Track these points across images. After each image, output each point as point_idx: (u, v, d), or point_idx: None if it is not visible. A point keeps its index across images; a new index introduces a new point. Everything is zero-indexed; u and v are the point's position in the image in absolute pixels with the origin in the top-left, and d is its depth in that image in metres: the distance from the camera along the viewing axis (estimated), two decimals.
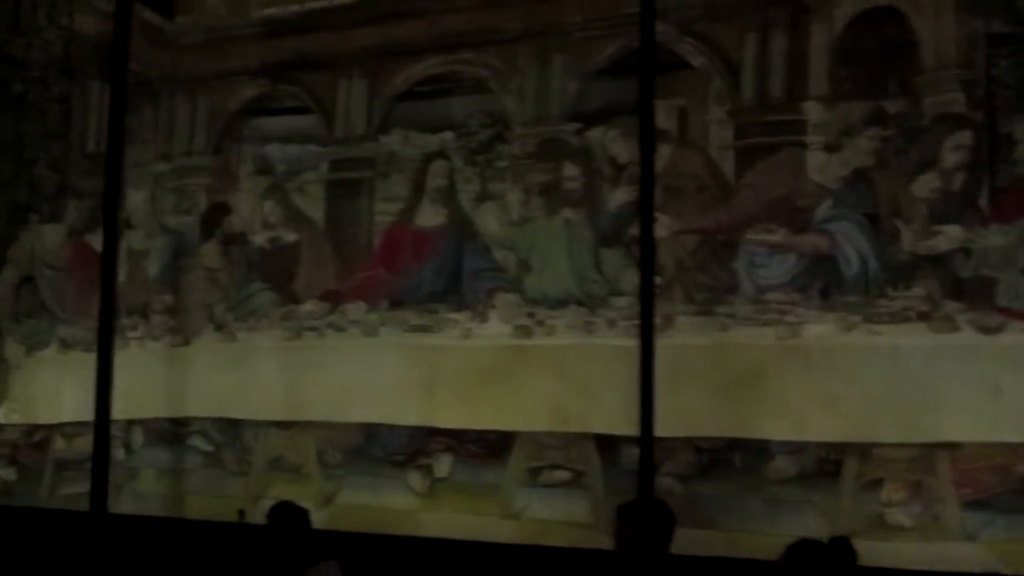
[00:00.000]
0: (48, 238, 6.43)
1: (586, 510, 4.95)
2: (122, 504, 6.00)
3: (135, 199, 6.17)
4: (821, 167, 4.68)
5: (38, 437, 6.34)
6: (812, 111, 4.70)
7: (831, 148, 4.66)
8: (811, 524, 4.51)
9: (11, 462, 6.40)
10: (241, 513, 4.93)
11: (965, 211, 4.43)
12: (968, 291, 4.40)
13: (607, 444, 4.93)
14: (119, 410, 6.06)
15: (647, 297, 4.01)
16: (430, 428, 5.28)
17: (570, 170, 5.13)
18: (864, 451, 4.51)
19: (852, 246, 4.61)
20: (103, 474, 5.03)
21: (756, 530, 4.61)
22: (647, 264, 3.99)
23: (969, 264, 4.41)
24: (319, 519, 5.44)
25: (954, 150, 4.46)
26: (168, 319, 5.98)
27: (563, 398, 5.03)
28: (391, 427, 5.36)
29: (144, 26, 6.18)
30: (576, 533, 4.95)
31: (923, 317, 4.45)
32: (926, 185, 4.50)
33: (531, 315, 5.13)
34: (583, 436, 4.98)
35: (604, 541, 4.91)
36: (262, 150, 5.85)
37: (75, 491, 6.17)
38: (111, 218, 4.91)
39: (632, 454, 4.90)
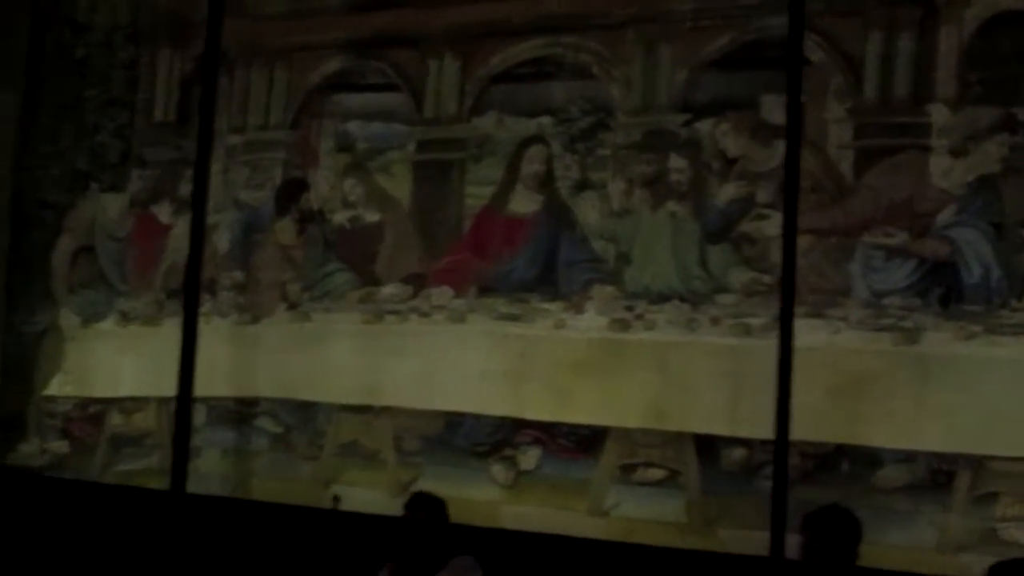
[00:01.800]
0: (110, 208, 6.23)
1: (680, 510, 4.84)
2: None
3: None
4: (945, 172, 4.57)
5: (93, 411, 6.16)
6: (938, 114, 4.59)
7: (956, 153, 4.55)
8: (920, 535, 4.44)
9: (64, 435, 6.21)
10: (336, 499, 4.77)
11: None
12: None
13: (706, 444, 4.83)
14: None
15: (788, 296, 3.90)
16: (517, 419, 5.15)
17: (676, 162, 5.00)
18: (979, 463, 4.42)
19: (975, 254, 4.51)
20: (183, 453, 4.86)
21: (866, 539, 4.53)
22: (788, 262, 3.88)
23: None
24: (395, 507, 5.35)
25: None
26: (237, 296, 5.81)
27: (661, 395, 4.91)
28: (475, 416, 5.23)
29: None
30: (668, 533, 4.83)
31: None
32: None
33: (630, 309, 5.00)
34: (681, 435, 4.86)
35: (697, 542, 4.85)
36: (344, 127, 5.68)
37: (131, 468, 6.02)
38: (200, 189, 4.72)
39: (732, 455, 4.81)
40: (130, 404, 6.05)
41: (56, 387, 6.24)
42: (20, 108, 6.47)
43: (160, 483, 5.92)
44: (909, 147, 4.63)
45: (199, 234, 4.93)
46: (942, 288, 4.55)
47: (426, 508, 4.05)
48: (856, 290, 4.67)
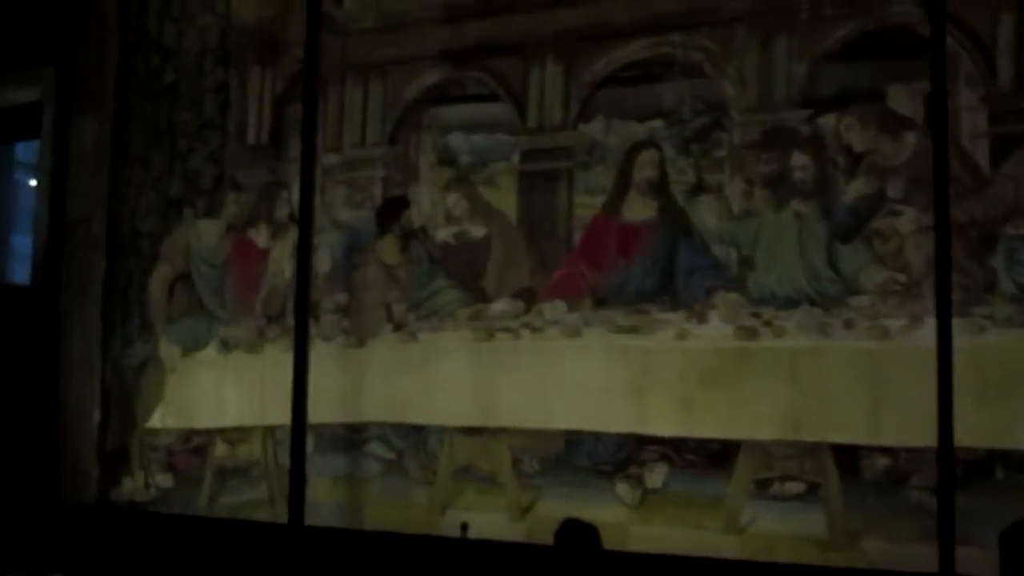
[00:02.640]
0: (205, 234, 6.13)
1: (822, 525, 4.60)
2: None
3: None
4: None
5: (196, 442, 6.05)
6: None
7: None
8: None
9: (167, 468, 6.11)
10: (464, 527, 4.60)
11: None
12: None
13: (846, 454, 4.60)
14: (287, 415, 5.77)
15: (944, 294, 3.67)
16: (642, 436, 4.95)
17: (799, 160, 4.77)
18: None
19: None
20: (300, 484, 4.71)
21: None
22: (943, 259, 3.66)
23: None
24: (516, 531, 5.18)
25: None
26: (341, 319, 5.67)
27: (795, 404, 4.68)
28: (596, 434, 5.03)
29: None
30: (810, 549, 4.60)
31: None
32: None
33: (756, 315, 4.78)
34: (818, 445, 4.63)
35: (840, 558, 4.61)
36: (444, 140, 5.52)
37: (238, 500, 5.90)
38: (307, 210, 4.59)
39: (875, 465, 4.57)
40: (234, 434, 5.93)
41: (158, 419, 6.14)
42: (111, 136, 6.40)
43: (268, 514, 5.82)
44: None
45: (305, 257, 4.78)
46: None
47: (580, 535, 3.85)
48: (1002, 285, 4.41)
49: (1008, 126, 4.46)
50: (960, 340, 4.35)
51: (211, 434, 6.00)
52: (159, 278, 6.23)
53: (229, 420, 5.94)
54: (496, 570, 4.19)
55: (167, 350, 6.16)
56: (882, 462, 4.53)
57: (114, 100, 6.45)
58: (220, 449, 5.96)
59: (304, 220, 4.69)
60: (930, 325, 4.45)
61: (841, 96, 4.73)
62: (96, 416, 6.31)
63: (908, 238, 4.55)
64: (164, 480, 6.10)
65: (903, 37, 4.60)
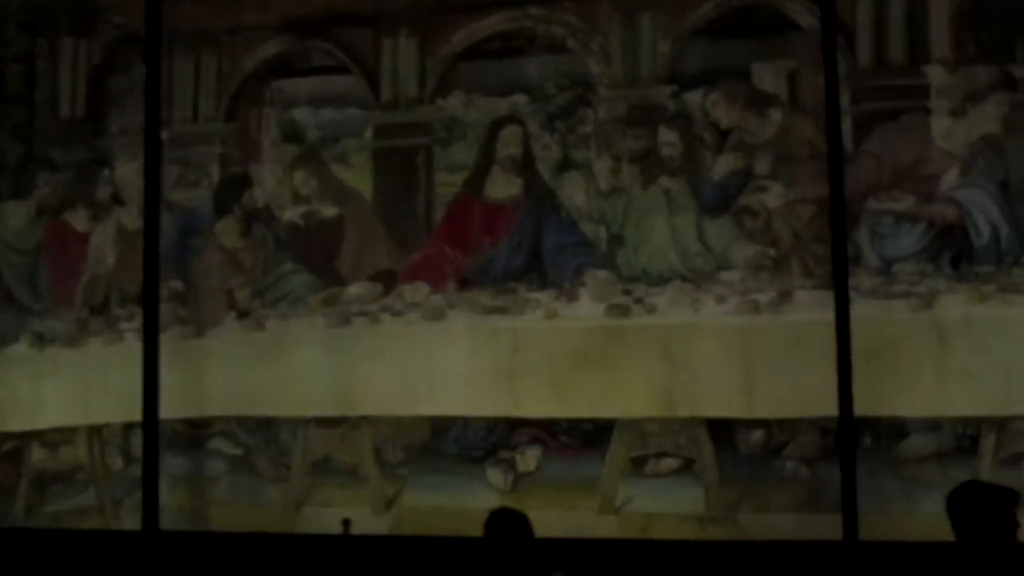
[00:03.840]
0: (12, 217, 5.55)
1: (699, 500, 4.63)
2: (124, 520, 5.27)
3: (125, 171, 5.42)
4: (946, 133, 4.52)
5: (8, 447, 5.47)
6: (935, 75, 4.54)
7: (956, 114, 4.51)
8: None
9: None
10: (346, 523, 4.33)
11: None
12: None
13: (720, 428, 4.64)
14: (114, 413, 5.35)
15: (841, 268, 3.72)
16: (512, 419, 4.83)
17: (666, 136, 4.78)
18: (1002, 426, 4.40)
19: (982, 214, 4.47)
20: (154, 486, 4.30)
21: (891, 511, 4.43)
22: (839, 233, 3.71)
23: None
24: (380, 525, 4.96)
25: None
26: (176, 307, 5.26)
27: (668, 381, 4.69)
28: (465, 419, 4.88)
29: None
30: (688, 526, 4.63)
31: None
32: None
33: (627, 293, 4.76)
34: (693, 421, 4.66)
35: (719, 532, 4.66)
36: (289, 114, 5.21)
37: (61, 508, 5.38)
38: (154, 186, 4.20)
39: (749, 438, 4.64)
40: (54, 436, 5.41)
41: None
42: None
43: (98, 522, 5.35)
44: (908, 110, 4.56)
45: (154, 238, 4.41)
46: (952, 251, 4.50)
47: (512, 525, 3.69)
48: (865, 258, 4.56)
49: (869, 104, 4.61)
50: (827, 312, 4.53)
51: (26, 437, 5.45)
52: None
53: (48, 421, 5.41)
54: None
55: None
56: (756, 435, 4.61)
57: None
58: (37, 453, 5.42)
59: (151, 198, 4.32)
60: (799, 299, 4.62)
61: (707, 73, 4.77)
62: None
63: (775, 213, 4.64)
64: None
65: (768, 16, 4.69)
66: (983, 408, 4.40)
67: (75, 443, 5.39)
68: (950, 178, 4.52)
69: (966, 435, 4.42)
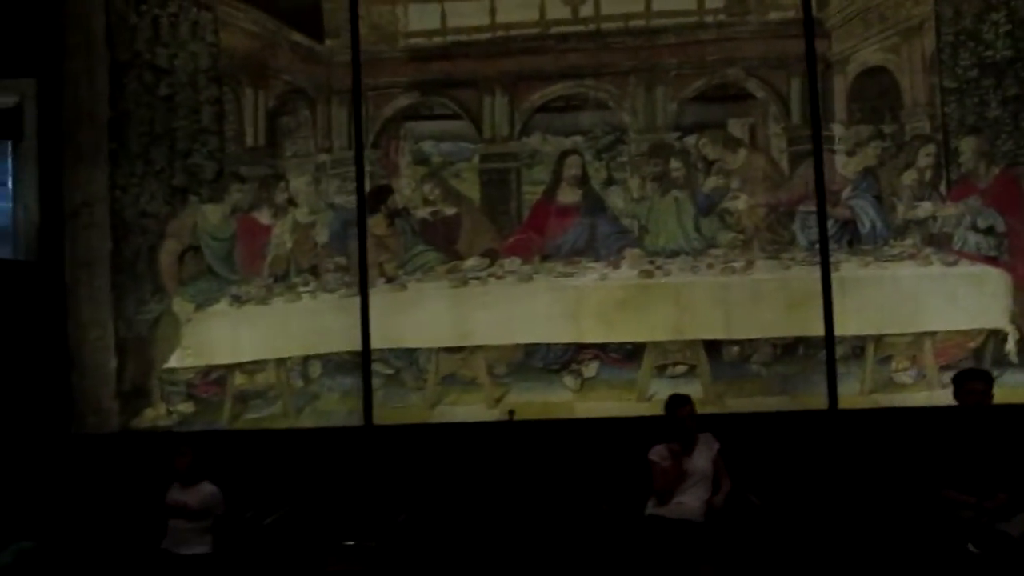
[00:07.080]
0: (210, 215, 7.84)
1: (699, 391, 7.40)
2: (303, 421, 7.67)
3: (297, 183, 7.81)
4: (844, 165, 7.45)
5: (215, 376, 7.78)
6: (837, 129, 7.47)
7: (850, 153, 7.45)
8: (851, 386, 7.30)
9: (188, 398, 7.77)
10: (511, 413, 6.91)
11: (933, 193, 7.39)
12: (936, 241, 7.37)
13: (711, 346, 7.45)
14: (295, 348, 7.74)
15: (823, 237, 6.66)
16: (579, 344, 7.52)
17: (675, 164, 7.56)
18: (878, 339, 7.36)
19: (866, 215, 7.43)
20: (369, 391, 6.82)
21: (816, 393, 7.33)
22: (822, 217, 6.62)
23: (936, 225, 7.37)
24: (493, 415, 7.56)
25: (925, 156, 7.40)
26: (342, 275, 7.69)
27: (679, 317, 7.48)
28: (547, 345, 7.54)
29: (294, 46, 7.85)
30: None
31: (911, 257, 7.36)
32: (909, 177, 7.41)
33: (652, 262, 7.52)
34: (695, 342, 7.45)
35: (713, 409, 7.38)
36: (418, 146, 7.72)
37: (258, 416, 7.73)
38: (361, 188, 6.74)
39: (730, 352, 7.47)
40: (251, 366, 7.76)
41: (176, 360, 7.79)
42: (108, 138, 7.87)
43: (285, 425, 7.72)
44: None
45: (363, 229, 6.92)
46: (848, 236, 7.44)
47: (685, 403, 6.43)
48: (798, 240, 7.46)
49: (798, 146, 7.50)
50: (774, 274, 7.42)
51: (229, 368, 7.78)
52: (167, 251, 7.85)
53: (246, 356, 7.76)
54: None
55: (181, 307, 7.82)
56: (734, 349, 7.43)
57: (108, 108, 7.91)
58: (239, 379, 7.75)
59: (360, 198, 6.83)
60: (758, 266, 7.49)
61: (699, 125, 7.58)
62: (112, 363, 7.81)
63: (743, 213, 7.48)
64: (186, 407, 7.77)
65: (736, 90, 7.52)
66: (867, 329, 7.35)
67: (266, 370, 7.75)
68: (846, 192, 7.47)
69: (858, 346, 7.37)
